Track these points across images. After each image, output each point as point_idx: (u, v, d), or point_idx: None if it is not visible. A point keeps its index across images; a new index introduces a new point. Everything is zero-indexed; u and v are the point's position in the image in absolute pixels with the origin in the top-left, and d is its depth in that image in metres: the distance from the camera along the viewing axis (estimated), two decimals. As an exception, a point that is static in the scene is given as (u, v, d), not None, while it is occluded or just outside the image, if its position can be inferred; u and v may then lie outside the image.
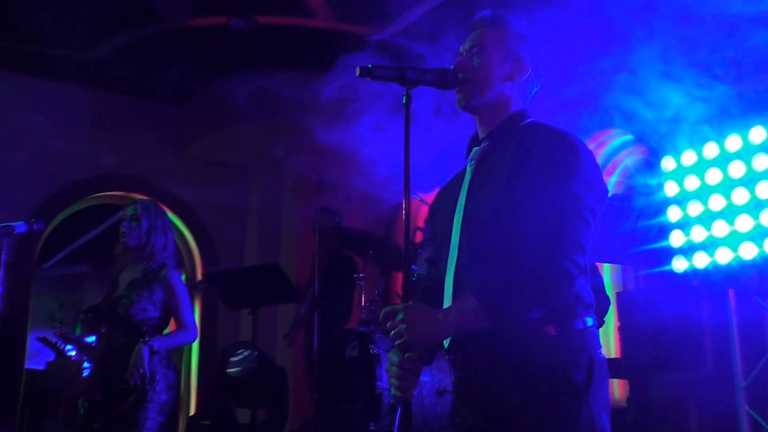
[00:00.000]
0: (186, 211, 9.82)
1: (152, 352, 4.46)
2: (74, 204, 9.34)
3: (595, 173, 2.38)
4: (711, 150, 5.25)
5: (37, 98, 8.86)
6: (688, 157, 5.38)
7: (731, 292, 5.30)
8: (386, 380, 5.40)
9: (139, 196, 9.03)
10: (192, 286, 10.23)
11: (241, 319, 9.12)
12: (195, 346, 9.65)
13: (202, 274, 9.46)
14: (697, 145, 5.34)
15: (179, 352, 10.22)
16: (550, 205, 2.27)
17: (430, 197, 6.87)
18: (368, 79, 2.47)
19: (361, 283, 6.39)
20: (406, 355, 2.33)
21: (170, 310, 4.67)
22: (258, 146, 9.14)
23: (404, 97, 2.50)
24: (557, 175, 2.31)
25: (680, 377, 5.80)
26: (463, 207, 2.50)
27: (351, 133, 6.53)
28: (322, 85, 7.03)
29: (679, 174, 5.41)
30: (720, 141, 5.21)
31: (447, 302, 2.46)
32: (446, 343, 2.47)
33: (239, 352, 6.57)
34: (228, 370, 6.58)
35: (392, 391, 2.39)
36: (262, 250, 9.47)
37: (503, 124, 2.57)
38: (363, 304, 6.27)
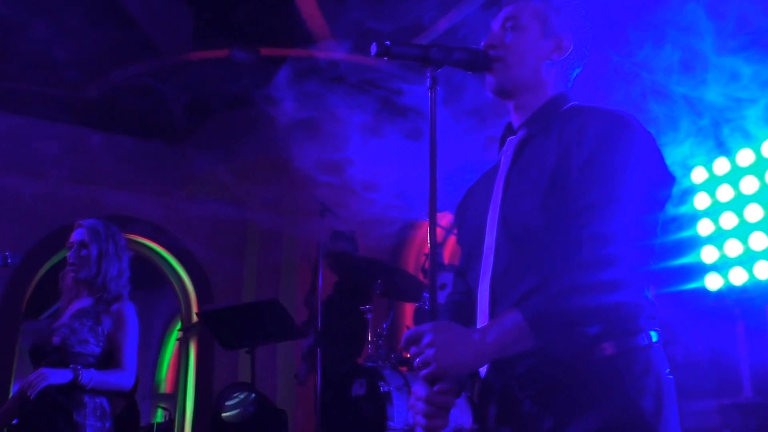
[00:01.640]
0: (183, 252, 9.47)
1: (74, 386, 3.80)
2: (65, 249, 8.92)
3: (658, 160, 1.96)
4: (745, 157, 4.87)
5: (28, 137, 8.56)
6: (721, 166, 4.99)
7: (769, 310, 4.88)
8: (398, 420, 4.96)
9: (134, 237, 8.69)
10: (187, 328, 9.86)
11: (239, 359, 8.68)
12: (190, 390, 9.23)
13: (197, 314, 9.03)
14: (730, 154, 4.96)
15: (172, 398, 9.85)
16: (610, 199, 1.87)
17: (444, 220, 6.64)
18: (386, 58, 2.07)
19: (368, 316, 5.94)
20: (435, 388, 1.87)
21: (112, 346, 3.99)
22: (258, 179, 8.83)
23: (429, 80, 2.09)
24: (616, 164, 1.90)
25: (716, 405, 5.35)
26: (499, 204, 2.09)
27: (352, 153, 6.25)
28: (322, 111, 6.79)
29: (711, 185, 5.02)
30: (756, 147, 4.83)
31: (482, 318, 2.04)
32: (482, 371, 2.04)
33: (236, 394, 6.09)
34: (223, 415, 6.09)
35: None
36: (260, 286, 9.08)
37: (542, 109, 2.18)
38: (370, 338, 5.81)
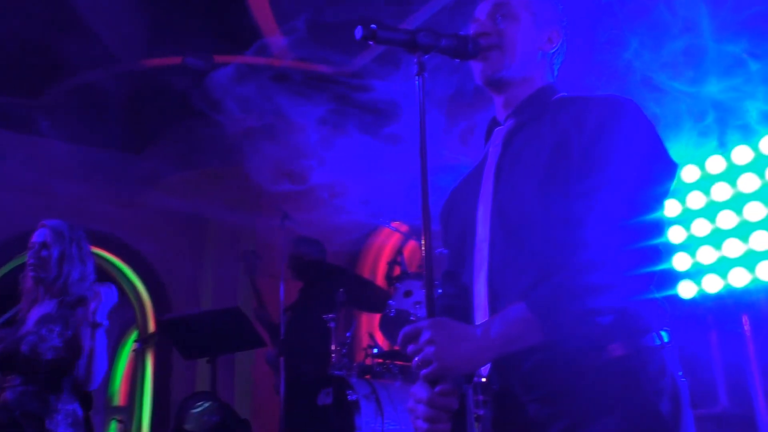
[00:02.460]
0: (137, 259, 9.26)
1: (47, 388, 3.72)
2: (17, 257, 8.64)
3: (659, 146, 1.87)
4: (716, 164, 4.81)
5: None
6: (690, 174, 4.93)
7: (745, 319, 4.81)
8: (366, 429, 4.81)
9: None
10: (143, 339, 9.64)
11: (197, 369, 8.50)
12: (146, 402, 9.01)
13: (157, 322, 8.82)
14: (700, 160, 4.90)
15: (127, 410, 9.63)
16: (613, 184, 1.77)
17: (404, 227, 6.56)
18: (372, 42, 1.95)
19: (331, 325, 5.79)
20: (437, 389, 1.74)
21: (79, 348, 3.85)
22: (216, 186, 8.67)
23: (417, 66, 1.97)
24: (619, 149, 1.81)
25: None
26: (491, 195, 1.99)
27: (312, 159, 6.16)
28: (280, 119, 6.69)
29: (681, 192, 4.96)
30: (726, 154, 4.78)
31: (481, 316, 1.91)
32: (484, 370, 1.92)
33: (198, 404, 5.91)
34: (185, 426, 5.90)
35: None
36: (218, 295, 8.89)
37: (530, 99, 2.10)
38: (333, 347, 5.67)
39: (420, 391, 1.77)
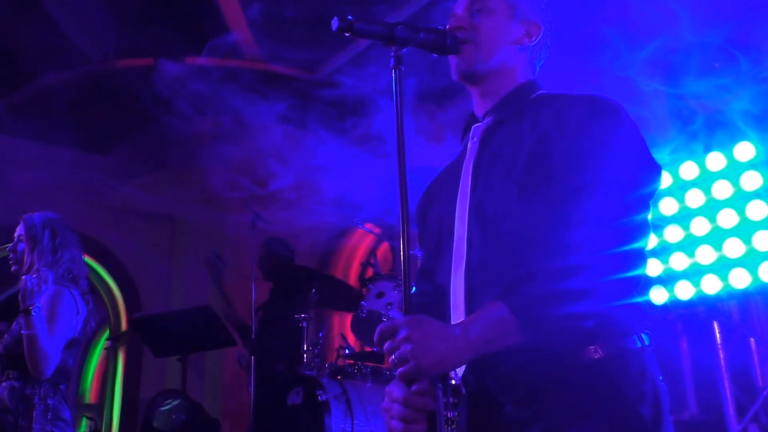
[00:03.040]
0: (109, 257, 9.18)
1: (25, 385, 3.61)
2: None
3: (643, 148, 1.84)
4: (690, 171, 4.82)
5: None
6: (664, 180, 4.94)
7: (716, 325, 4.81)
8: (336, 430, 4.78)
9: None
10: (116, 337, 9.55)
11: (167, 368, 8.41)
12: (117, 400, 8.92)
13: (129, 321, 8.74)
14: (673, 166, 4.90)
15: (97, 408, 9.53)
16: (596, 184, 1.73)
17: (377, 229, 6.53)
18: (348, 35, 1.92)
19: (304, 325, 5.75)
20: (413, 388, 1.68)
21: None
22: (187, 187, 8.59)
23: (392, 59, 1.94)
24: (599, 148, 1.78)
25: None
26: (468, 193, 1.95)
27: (285, 159, 6.13)
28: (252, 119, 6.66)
29: (655, 198, 4.96)
30: (700, 160, 4.78)
31: (458, 316, 1.88)
32: (459, 370, 1.88)
33: (167, 402, 5.85)
34: (154, 423, 5.84)
35: None
36: (189, 293, 8.81)
37: (510, 95, 2.06)
38: (305, 348, 5.62)
39: (395, 390, 1.72)
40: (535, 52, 2.14)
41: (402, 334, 1.67)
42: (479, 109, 2.12)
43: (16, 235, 4.04)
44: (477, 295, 1.85)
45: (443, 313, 1.95)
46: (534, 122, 1.91)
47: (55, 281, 3.82)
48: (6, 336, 3.79)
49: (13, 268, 3.99)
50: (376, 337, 1.74)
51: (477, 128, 2.08)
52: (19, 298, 3.61)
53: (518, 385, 1.76)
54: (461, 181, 2.01)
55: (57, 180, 8.68)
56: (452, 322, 1.89)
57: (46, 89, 7.69)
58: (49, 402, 3.70)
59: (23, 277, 3.67)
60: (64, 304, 3.80)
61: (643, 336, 1.81)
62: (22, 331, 3.62)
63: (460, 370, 1.89)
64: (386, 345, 1.71)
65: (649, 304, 4.73)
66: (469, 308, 1.85)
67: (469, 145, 2.07)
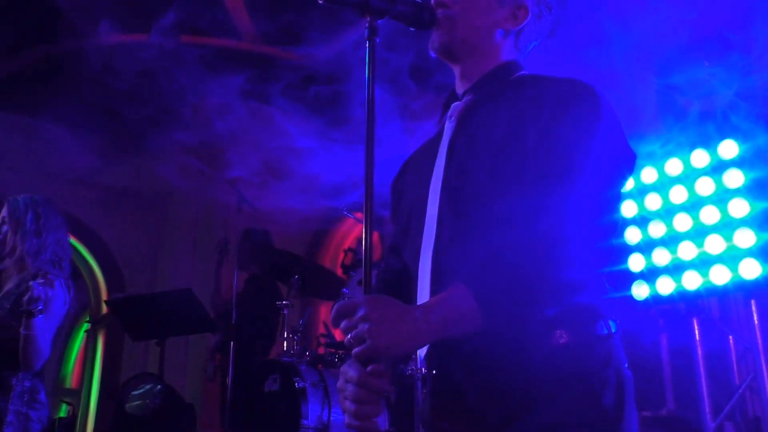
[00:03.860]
0: (93, 239, 9.12)
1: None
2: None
3: (620, 133, 1.81)
4: (674, 167, 4.80)
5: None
6: (648, 175, 4.92)
7: (695, 322, 4.80)
8: (312, 418, 4.76)
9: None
10: (96, 320, 9.51)
11: (148, 352, 8.38)
12: (95, 384, 8.87)
13: (106, 302, 8.68)
14: (659, 162, 4.88)
15: (78, 393, 9.49)
16: (569, 170, 1.69)
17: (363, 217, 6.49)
18: (322, 2, 1.87)
19: (285, 312, 5.72)
20: (368, 369, 1.63)
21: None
22: (173, 167, 8.53)
23: (367, 30, 1.89)
24: (577, 134, 1.74)
25: (638, 418, 5.26)
26: (442, 173, 1.91)
27: (273, 143, 6.09)
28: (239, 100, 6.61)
29: (639, 193, 4.94)
30: (684, 157, 4.77)
31: (423, 297, 1.84)
32: (421, 352, 1.84)
33: (141, 385, 5.79)
34: (127, 407, 5.78)
35: (347, 420, 1.70)
36: (173, 277, 8.77)
37: (490, 74, 2.02)
38: (285, 334, 5.59)
39: (351, 370, 1.67)
40: (522, 35, 2.09)
41: (360, 312, 1.61)
42: (459, 87, 2.09)
43: (0, 217, 4.01)
44: (443, 276, 1.81)
45: (409, 292, 1.93)
46: (511, 103, 1.88)
47: (58, 275, 3.85)
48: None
49: None
50: (333, 315, 1.69)
51: (456, 107, 2.04)
52: (24, 299, 3.59)
53: (481, 369, 1.72)
54: (437, 159, 1.97)
55: (37, 155, 8.64)
56: (417, 303, 1.86)
57: (32, 64, 7.64)
58: (26, 384, 3.70)
59: (31, 282, 3.62)
60: (58, 297, 3.79)
61: (610, 323, 1.78)
62: (21, 330, 3.61)
63: (423, 354, 1.85)
64: (343, 323, 1.66)
65: (628, 298, 4.76)
66: (435, 289, 1.81)
67: (446, 124, 2.04)
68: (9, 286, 3.87)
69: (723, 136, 4.58)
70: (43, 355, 3.70)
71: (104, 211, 9.08)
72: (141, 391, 5.73)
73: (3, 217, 3.98)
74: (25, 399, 3.67)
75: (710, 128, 4.67)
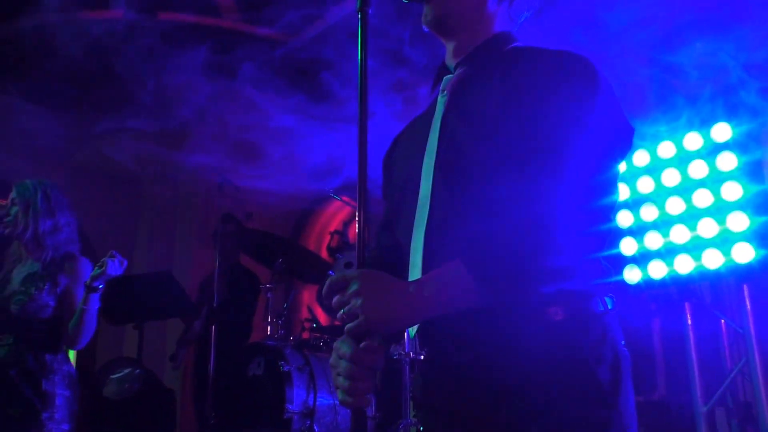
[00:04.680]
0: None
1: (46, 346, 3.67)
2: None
3: (618, 107, 1.74)
4: (667, 149, 4.75)
5: None
6: (641, 158, 4.86)
7: (687, 306, 4.76)
8: (297, 403, 4.66)
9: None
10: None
11: (125, 336, 8.23)
12: (71, 367, 8.72)
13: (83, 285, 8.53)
14: (651, 145, 4.83)
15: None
16: (565, 145, 1.62)
17: (353, 202, 6.41)
18: None
19: (268, 295, 5.60)
20: (361, 344, 1.60)
21: (68, 304, 3.84)
22: (150, 150, 8.39)
23: (358, 1, 1.83)
24: (574, 108, 1.66)
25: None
26: (435, 147, 1.84)
27: (256, 125, 5.98)
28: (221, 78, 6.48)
29: (631, 177, 4.88)
30: (677, 140, 4.71)
31: (415, 273, 1.77)
32: (413, 330, 1.79)
33: (119, 370, 5.66)
34: (104, 392, 5.65)
35: (340, 395, 1.66)
36: (153, 261, 8.61)
37: (483, 45, 1.95)
38: (269, 319, 5.48)
39: (343, 346, 1.64)
40: (515, 6, 2.02)
41: (353, 288, 1.59)
42: (450, 59, 2.02)
43: (8, 199, 4.04)
44: (436, 252, 1.75)
45: (402, 269, 1.86)
46: (505, 76, 1.81)
47: (66, 244, 3.97)
48: (18, 297, 3.79)
49: (5, 231, 3.99)
50: (325, 290, 1.66)
51: (448, 80, 1.97)
52: (92, 273, 3.71)
53: (474, 345, 1.67)
54: (429, 135, 1.90)
55: (5, 137, 8.45)
56: (409, 280, 1.79)
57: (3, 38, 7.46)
58: (65, 368, 3.80)
59: (107, 259, 3.74)
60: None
61: (606, 299, 1.72)
62: (81, 306, 3.74)
63: (414, 332, 1.80)
64: (335, 299, 1.63)
65: (620, 282, 4.71)
66: (427, 266, 1.75)
67: (438, 98, 1.97)
68: (32, 269, 3.89)
69: (717, 119, 4.54)
70: (90, 334, 3.88)
71: (74, 192, 8.89)
72: (119, 375, 5.60)
73: (12, 199, 3.99)
74: (67, 382, 3.77)
75: (705, 110, 4.62)
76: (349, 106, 5.34)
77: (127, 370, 5.67)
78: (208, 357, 5.42)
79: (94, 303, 3.77)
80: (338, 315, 1.62)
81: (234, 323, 6.15)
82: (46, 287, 3.78)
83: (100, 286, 3.74)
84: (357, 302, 1.58)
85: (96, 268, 3.72)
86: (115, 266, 3.73)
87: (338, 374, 1.65)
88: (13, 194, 4.02)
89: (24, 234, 3.92)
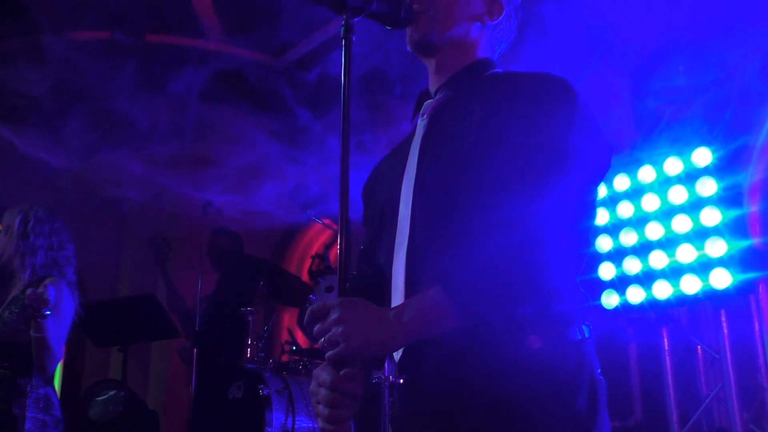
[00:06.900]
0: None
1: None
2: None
3: (597, 130, 1.76)
4: (647, 174, 4.78)
5: None
6: (621, 183, 4.89)
7: (665, 331, 4.78)
8: (276, 426, 4.66)
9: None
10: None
11: (110, 359, 8.21)
12: (56, 389, 8.69)
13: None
14: (632, 170, 4.86)
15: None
16: (544, 169, 1.64)
17: (335, 225, 6.42)
18: None
19: (249, 318, 5.60)
20: (341, 372, 1.61)
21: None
22: (135, 171, 8.38)
23: (342, 28, 1.84)
24: (549, 130, 1.69)
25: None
26: (414, 170, 1.85)
27: (241, 147, 5.99)
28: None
29: (611, 201, 4.91)
30: (657, 165, 4.74)
31: (397, 298, 1.79)
32: (397, 355, 1.79)
33: (104, 392, 5.67)
34: (90, 414, 5.65)
35: (320, 424, 1.67)
36: (136, 282, 8.59)
37: (464, 70, 1.97)
38: (250, 341, 5.47)
39: (323, 373, 1.65)
40: (497, 32, 2.05)
41: (334, 315, 1.60)
42: (433, 84, 2.03)
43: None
44: (419, 278, 1.76)
45: (383, 297, 1.87)
46: (484, 100, 1.83)
47: (42, 269, 3.88)
48: (2, 326, 3.76)
49: None
50: (306, 318, 1.67)
51: (428, 105, 1.99)
52: (33, 303, 3.59)
53: (453, 376, 1.68)
54: (408, 159, 1.92)
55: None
56: (392, 305, 1.80)
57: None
58: (41, 391, 3.71)
59: (47, 284, 3.67)
60: (65, 300, 3.84)
61: (584, 327, 1.73)
62: (32, 333, 3.63)
63: (397, 358, 1.80)
64: (316, 327, 1.64)
65: (597, 306, 4.73)
66: (410, 291, 1.77)
67: (419, 123, 1.99)
68: (16, 291, 3.86)
69: (697, 144, 4.57)
70: (57, 358, 3.73)
71: (62, 215, 8.85)
72: (104, 397, 5.60)
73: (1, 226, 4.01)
74: (41, 406, 3.68)
75: (685, 135, 4.65)
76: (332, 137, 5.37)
77: (112, 392, 5.67)
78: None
79: (45, 329, 3.61)
80: (319, 342, 1.63)
81: (217, 344, 6.15)
82: (17, 311, 3.73)
83: (44, 312, 3.56)
84: (337, 330, 1.59)
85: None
86: (52, 290, 3.60)
87: (318, 402, 1.66)
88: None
89: (13, 262, 3.91)
